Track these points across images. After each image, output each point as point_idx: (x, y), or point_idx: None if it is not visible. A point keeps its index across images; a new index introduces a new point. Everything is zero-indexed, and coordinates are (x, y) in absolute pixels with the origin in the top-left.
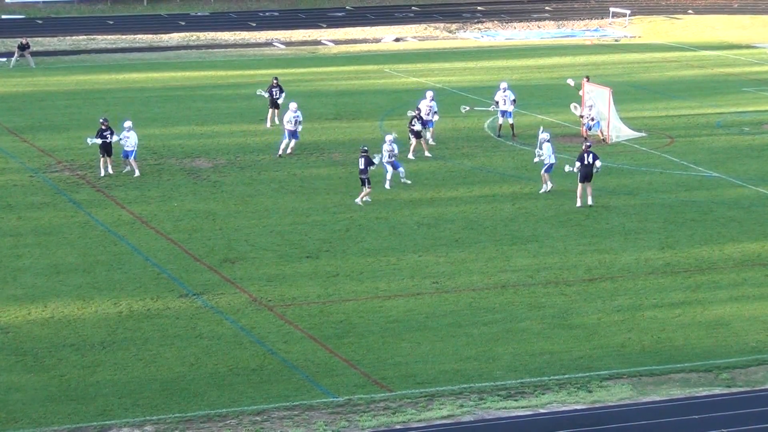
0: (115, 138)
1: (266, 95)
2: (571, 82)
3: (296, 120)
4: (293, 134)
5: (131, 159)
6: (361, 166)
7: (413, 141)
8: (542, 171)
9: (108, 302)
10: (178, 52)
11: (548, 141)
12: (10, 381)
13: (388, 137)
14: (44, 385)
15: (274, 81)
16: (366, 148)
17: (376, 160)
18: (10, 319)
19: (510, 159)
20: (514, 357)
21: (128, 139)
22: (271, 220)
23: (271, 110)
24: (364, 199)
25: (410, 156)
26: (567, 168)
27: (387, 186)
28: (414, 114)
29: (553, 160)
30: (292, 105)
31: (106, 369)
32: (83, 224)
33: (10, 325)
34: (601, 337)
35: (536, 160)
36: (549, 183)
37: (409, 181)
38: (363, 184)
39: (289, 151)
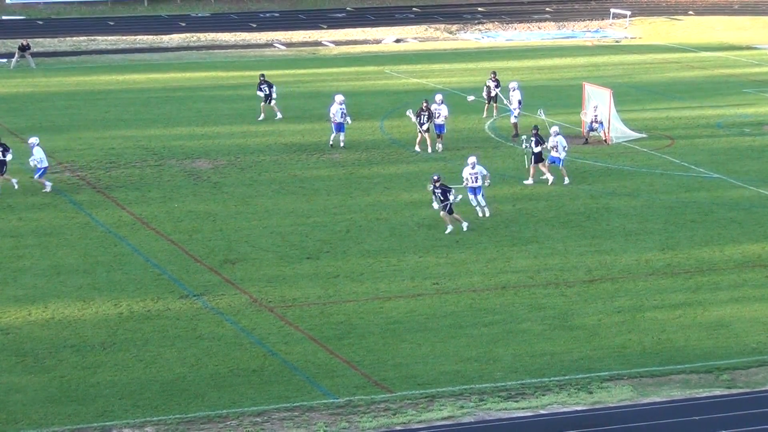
0: (9, 156)
1: (261, 94)
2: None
3: (342, 112)
4: (340, 127)
5: (36, 177)
6: (436, 204)
7: (420, 136)
8: (549, 162)
9: (108, 303)
10: (178, 53)
11: (560, 134)
12: (10, 382)
13: (471, 159)
14: (44, 386)
15: (261, 78)
16: (437, 176)
17: (451, 197)
18: (10, 320)
19: (510, 160)
20: (514, 358)
21: (33, 156)
22: (271, 221)
23: (263, 104)
24: (463, 224)
25: (417, 149)
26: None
27: (480, 214)
28: (422, 108)
29: (563, 154)
30: (338, 97)
31: (107, 370)
32: (84, 225)
33: (10, 326)
34: (602, 338)
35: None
36: (565, 175)
37: (486, 214)
38: (447, 210)
39: (342, 145)
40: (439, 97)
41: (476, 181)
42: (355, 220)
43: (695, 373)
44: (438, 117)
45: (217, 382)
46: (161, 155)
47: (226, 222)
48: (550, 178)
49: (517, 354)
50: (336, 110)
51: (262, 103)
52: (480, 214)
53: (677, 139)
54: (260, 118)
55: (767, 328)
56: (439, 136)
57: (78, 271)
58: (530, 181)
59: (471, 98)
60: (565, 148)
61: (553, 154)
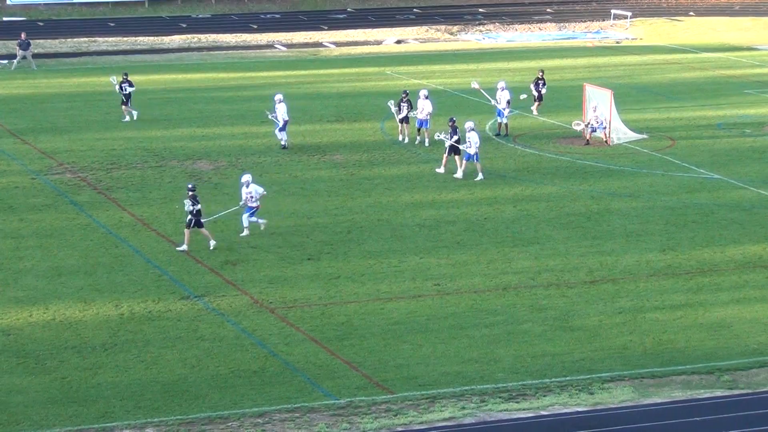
0: None
1: (116, 85)
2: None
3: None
4: (285, 126)
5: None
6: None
7: (401, 125)
8: (465, 159)
9: (109, 304)
10: (179, 54)
11: (473, 130)
12: (11, 383)
13: (245, 178)
14: (46, 388)
15: (124, 76)
16: (192, 185)
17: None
18: (11, 322)
19: (511, 161)
20: (515, 359)
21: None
22: (272, 222)
23: (123, 107)
24: (211, 243)
25: (401, 138)
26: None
27: (244, 234)
28: (402, 98)
29: (475, 150)
30: (280, 96)
31: (108, 371)
32: (84, 226)
33: (11, 328)
34: (603, 339)
35: (462, 147)
36: (479, 170)
37: (244, 233)
38: (192, 225)
39: (284, 144)
40: (423, 92)
41: (252, 201)
42: (356, 221)
43: (696, 374)
44: (421, 112)
45: (218, 383)
46: (162, 156)
47: (226, 223)
48: (461, 174)
49: (518, 355)
50: (284, 109)
51: (123, 106)
52: (242, 233)
53: (678, 140)
54: (133, 119)
55: None
56: (419, 130)
57: (79, 272)
58: (441, 169)
59: (523, 96)
60: (477, 145)
61: (466, 149)
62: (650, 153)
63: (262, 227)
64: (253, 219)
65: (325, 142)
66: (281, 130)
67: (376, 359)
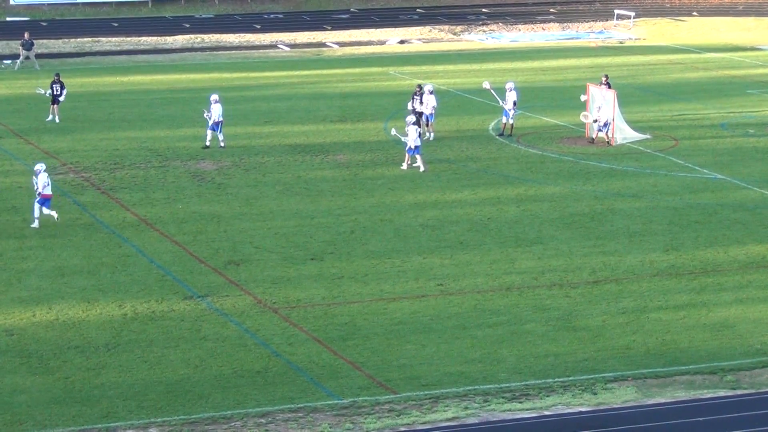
0: None
1: (46, 93)
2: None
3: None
4: (217, 126)
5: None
6: None
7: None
8: (408, 153)
9: (113, 304)
10: (182, 54)
11: (414, 124)
12: (14, 383)
13: (37, 167)
14: (49, 387)
15: (56, 77)
16: None
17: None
18: (14, 322)
19: (514, 161)
20: (518, 359)
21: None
22: (275, 222)
23: (52, 106)
24: None
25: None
26: (393, 132)
27: (34, 225)
28: (415, 92)
29: (419, 143)
30: (216, 96)
31: (111, 371)
32: (88, 226)
33: (15, 328)
34: (606, 339)
35: (404, 140)
36: (419, 163)
37: (35, 225)
38: None
39: (222, 144)
40: (428, 87)
41: (43, 189)
42: (360, 221)
43: (699, 374)
44: (426, 107)
45: (221, 383)
46: (165, 156)
47: (230, 223)
48: (406, 166)
49: (522, 355)
50: (219, 110)
51: (52, 105)
52: (32, 224)
53: (681, 140)
54: (48, 119)
55: None
56: (427, 124)
57: (82, 272)
58: (404, 166)
59: (583, 97)
60: (414, 139)
61: (404, 140)
62: (653, 153)
63: (56, 217)
64: (47, 211)
65: (329, 142)
66: (212, 129)
67: (379, 359)
